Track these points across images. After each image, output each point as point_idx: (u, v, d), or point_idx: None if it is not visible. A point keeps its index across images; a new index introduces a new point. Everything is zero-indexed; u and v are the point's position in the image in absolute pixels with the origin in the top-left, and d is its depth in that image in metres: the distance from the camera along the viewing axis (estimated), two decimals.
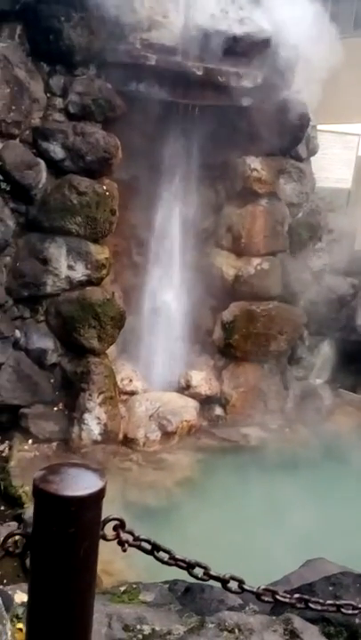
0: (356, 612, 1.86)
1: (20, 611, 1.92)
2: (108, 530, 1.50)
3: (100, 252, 5.43)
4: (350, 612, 1.84)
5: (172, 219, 6.23)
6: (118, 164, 5.44)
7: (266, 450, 5.77)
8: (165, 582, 2.56)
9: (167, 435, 5.63)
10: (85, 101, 5.26)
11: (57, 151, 5.21)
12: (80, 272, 5.36)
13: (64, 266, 5.31)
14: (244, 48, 5.64)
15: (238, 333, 6.27)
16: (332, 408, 6.65)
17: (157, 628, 1.94)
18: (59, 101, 5.30)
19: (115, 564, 3.61)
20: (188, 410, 5.92)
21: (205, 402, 6.20)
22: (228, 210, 6.36)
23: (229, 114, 5.87)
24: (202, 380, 6.24)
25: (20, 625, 1.84)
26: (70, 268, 5.33)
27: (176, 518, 4.66)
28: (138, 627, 1.94)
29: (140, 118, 5.41)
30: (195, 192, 6.23)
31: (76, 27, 5.11)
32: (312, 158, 6.87)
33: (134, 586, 2.45)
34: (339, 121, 8.85)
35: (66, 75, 5.29)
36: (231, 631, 1.89)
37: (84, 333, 5.39)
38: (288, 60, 6.04)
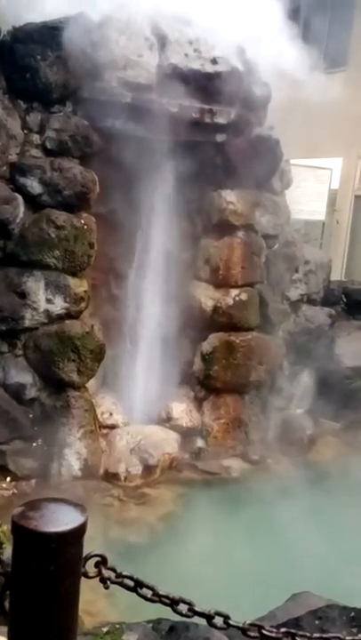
0: None
1: None
2: (90, 567, 1.46)
3: (79, 286, 5.43)
4: None
5: (150, 251, 6.28)
6: (96, 199, 5.49)
7: (248, 482, 5.72)
8: (149, 621, 2.49)
9: (149, 468, 5.56)
10: (62, 137, 5.33)
11: (34, 186, 5.25)
12: (59, 305, 5.34)
13: (42, 299, 5.29)
14: (217, 86, 5.79)
15: (218, 364, 6.28)
16: (314, 438, 6.65)
17: None
18: (36, 137, 5.36)
19: (96, 603, 3.51)
20: (169, 442, 5.87)
21: (186, 434, 6.16)
22: (206, 242, 6.43)
23: (204, 149, 5.99)
24: (182, 411, 6.21)
25: None
26: (49, 301, 5.31)
27: (159, 554, 4.57)
28: None
29: (118, 154, 5.48)
30: (172, 225, 6.30)
31: (52, 65, 5.21)
32: (286, 191, 7.01)
33: (117, 626, 2.38)
34: (311, 156, 9.10)
35: (43, 112, 5.36)
36: None
37: (63, 367, 5.34)
38: (261, 97, 6.22)
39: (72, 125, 5.36)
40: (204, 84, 5.70)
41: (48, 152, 5.35)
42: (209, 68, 5.71)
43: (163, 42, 5.56)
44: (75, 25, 5.14)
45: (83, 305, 5.48)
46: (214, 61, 5.74)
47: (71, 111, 5.44)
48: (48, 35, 5.17)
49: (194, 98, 5.70)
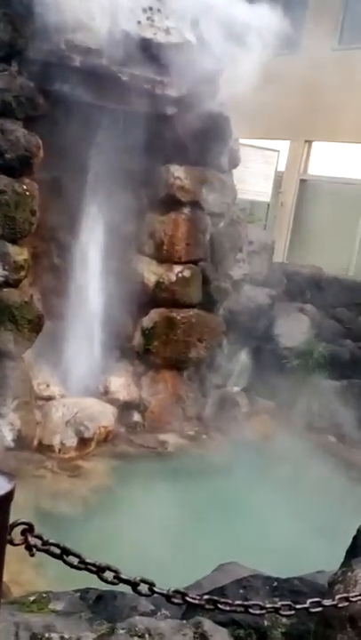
0: (263, 612, 1.89)
1: None
2: (16, 535, 1.45)
3: (19, 253, 5.28)
4: (258, 612, 1.86)
5: (94, 223, 6.17)
6: (39, 164, 5.32)
7: (183, 457, 5.80)
8: (77, 591, 2.49)
9: (84, 441, 5.53)
10: (6, 98, 5.12)
11: None
12: None
13: None
14: (169, 57, 5.70)
15: (158, 340, 6.29)
16: (249, 415, 6.80)
17: (66, 636, 1.88)
18: None
19: (24, 574, 3.49)
20: (105, 416, 5.85)
21: (124, 408, 6.16)
22: (151, 216, 6.38)
23: (154, 121, 5.90)
24: (120, 385, 6.20)
25: None
26: None
27: (91, 526, 4.58)
28: (46, 635, 1.87)
29: (64, 119, 5.33)
30: (118, 197, 6.20)
31: None
32: (234, 170, 7.02)
33: (44, 595, 2.37)
34: (260, 136, 9.13)
35: None
36: (141, 636, 1.86)
37: None
38: (213, 72, 6.16)
39: (17, 86, 5.16)
40: (156, 55, 5.60)
41: None
42: (162, 39, 5.60)
43: (115, 7, 5.40)
44: None
45: (22, 273, 5.34)
46: (167, 32, 5.64)
47: (17, 71, 5.23)
48: None
49: (145, 67, 5.59)
